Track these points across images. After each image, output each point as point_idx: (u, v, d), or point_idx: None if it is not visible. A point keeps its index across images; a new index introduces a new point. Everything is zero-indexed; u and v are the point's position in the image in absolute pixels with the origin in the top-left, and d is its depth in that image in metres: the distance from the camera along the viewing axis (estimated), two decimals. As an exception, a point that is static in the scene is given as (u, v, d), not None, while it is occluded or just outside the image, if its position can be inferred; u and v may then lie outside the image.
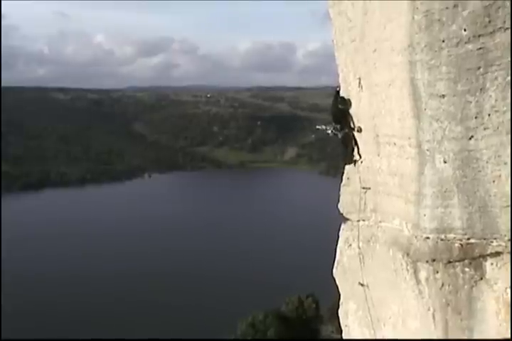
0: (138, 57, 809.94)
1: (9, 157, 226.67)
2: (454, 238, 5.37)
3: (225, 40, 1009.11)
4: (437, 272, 5.55)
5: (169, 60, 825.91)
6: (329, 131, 7.23)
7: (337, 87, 7.27)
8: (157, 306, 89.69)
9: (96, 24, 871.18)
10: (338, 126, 7.01)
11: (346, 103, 6.93)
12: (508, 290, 4.99)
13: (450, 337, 5.56)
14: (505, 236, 4.95)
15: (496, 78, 4.69)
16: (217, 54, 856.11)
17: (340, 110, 6.99)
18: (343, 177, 7.62)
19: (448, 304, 5.51)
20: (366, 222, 7.08)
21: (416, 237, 5.80)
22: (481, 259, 5.18)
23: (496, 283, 5.08)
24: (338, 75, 7.26)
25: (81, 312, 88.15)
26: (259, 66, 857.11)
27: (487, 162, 4.93)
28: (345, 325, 7.93)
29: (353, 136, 6.95)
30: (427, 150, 5.39)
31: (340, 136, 7.03)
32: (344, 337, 8.06)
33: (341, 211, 7.69)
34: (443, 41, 4.95)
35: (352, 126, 6.91)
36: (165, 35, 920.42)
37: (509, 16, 4.53)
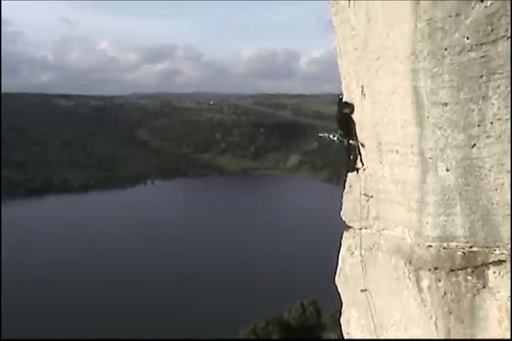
0: (142, 63, 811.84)
1: (12, 163, 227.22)
2: (457, 246, 5.35)
3: (228, 46, 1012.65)
4: (440, 280, 5.54)
5: (173, 66, 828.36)
6: (335, 138, 7.22)
7: (340, 94, 7.28)
8: (158, 312, 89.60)
9: (99, 30, 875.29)
10: (344, 133, 7.02)
11: (349, 106, 6.93)
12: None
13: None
14: (507, 244, 4.94)
15: (498, 86, 4.69)
16: (221, 61, 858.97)
17: (344, 115, 6.99)
18: (346, 184, 7.61)
19: (450, 312, 5.49)
20: (368, 230, 7.07)
21: (418, 245, 5.79)
22: (484, 267, 5.16)
23: (498, 292, 5.07)
24: (341, 83, 7.27)
25: (82, 317, 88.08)
26: (263, 73, 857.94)
27: (489, 170, 4.92)
28: (347, 333, 7.90)
29: (356, 143, 6.95)
30: (430, 158, 5.38)
31: (346, 142, 7.03)
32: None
33: (344, 219, 7.68)
34: (446, 49, 4.95)
35: (355, 133, 6.92)
36: (169, 42, 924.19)
37: (511, 25, 4.54)
